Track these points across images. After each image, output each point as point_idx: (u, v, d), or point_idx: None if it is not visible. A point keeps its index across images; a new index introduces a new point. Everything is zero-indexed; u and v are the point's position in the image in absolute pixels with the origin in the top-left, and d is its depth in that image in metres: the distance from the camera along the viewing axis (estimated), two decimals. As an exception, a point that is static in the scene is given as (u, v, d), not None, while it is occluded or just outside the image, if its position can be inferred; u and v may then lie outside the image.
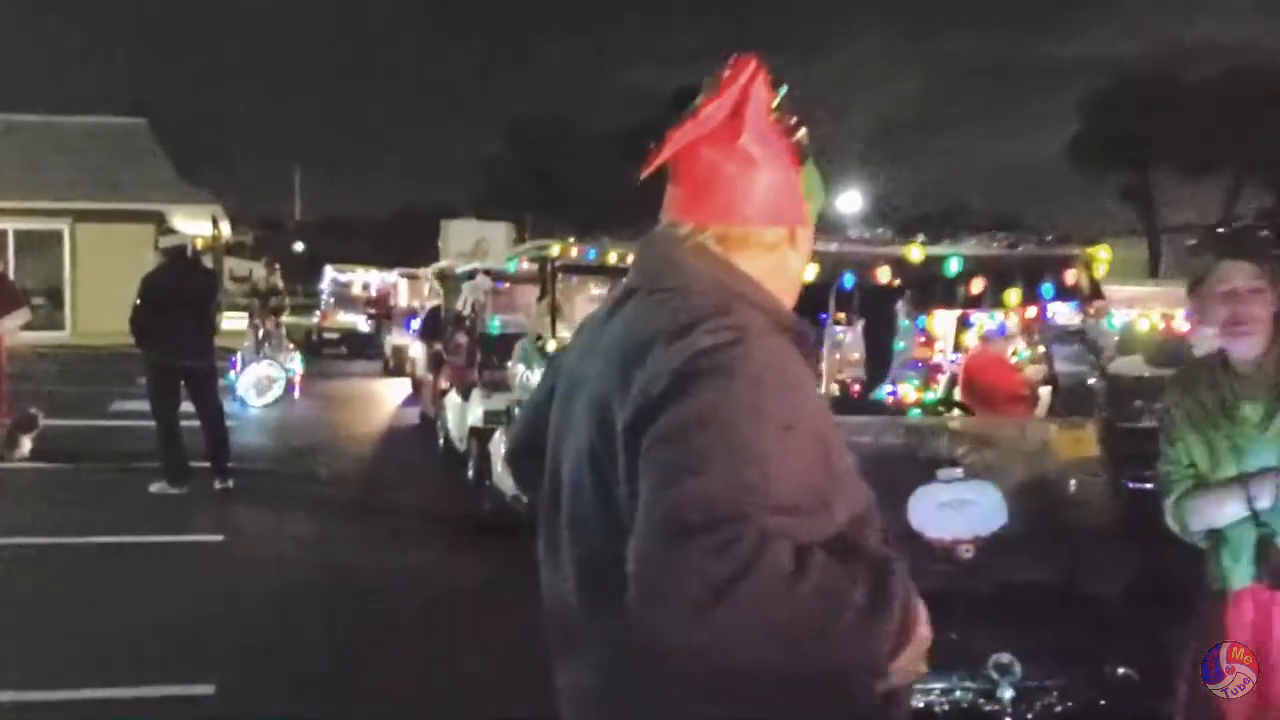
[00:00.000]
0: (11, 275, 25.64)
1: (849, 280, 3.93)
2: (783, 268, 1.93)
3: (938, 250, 4.03)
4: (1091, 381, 4.91)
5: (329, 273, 28.48)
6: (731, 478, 1.58)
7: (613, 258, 7.90)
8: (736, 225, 1.90)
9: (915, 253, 3.95)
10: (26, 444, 11.23)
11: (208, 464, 10.25)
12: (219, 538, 8.61)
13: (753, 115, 1.91)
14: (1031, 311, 4.81)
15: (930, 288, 4.09)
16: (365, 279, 27.90)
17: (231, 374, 15.93)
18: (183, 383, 10.18)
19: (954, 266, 4.05)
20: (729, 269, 1.87)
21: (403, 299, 23.22)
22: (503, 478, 8.76)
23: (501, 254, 20.48)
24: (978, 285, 4.03)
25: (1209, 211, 40.04)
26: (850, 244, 4.09)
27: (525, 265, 9.55)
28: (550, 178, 51.64)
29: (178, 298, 9.99)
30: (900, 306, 5.44)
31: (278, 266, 19.36)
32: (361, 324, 27.01)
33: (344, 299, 27.48)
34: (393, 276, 26.09)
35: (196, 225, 30.10)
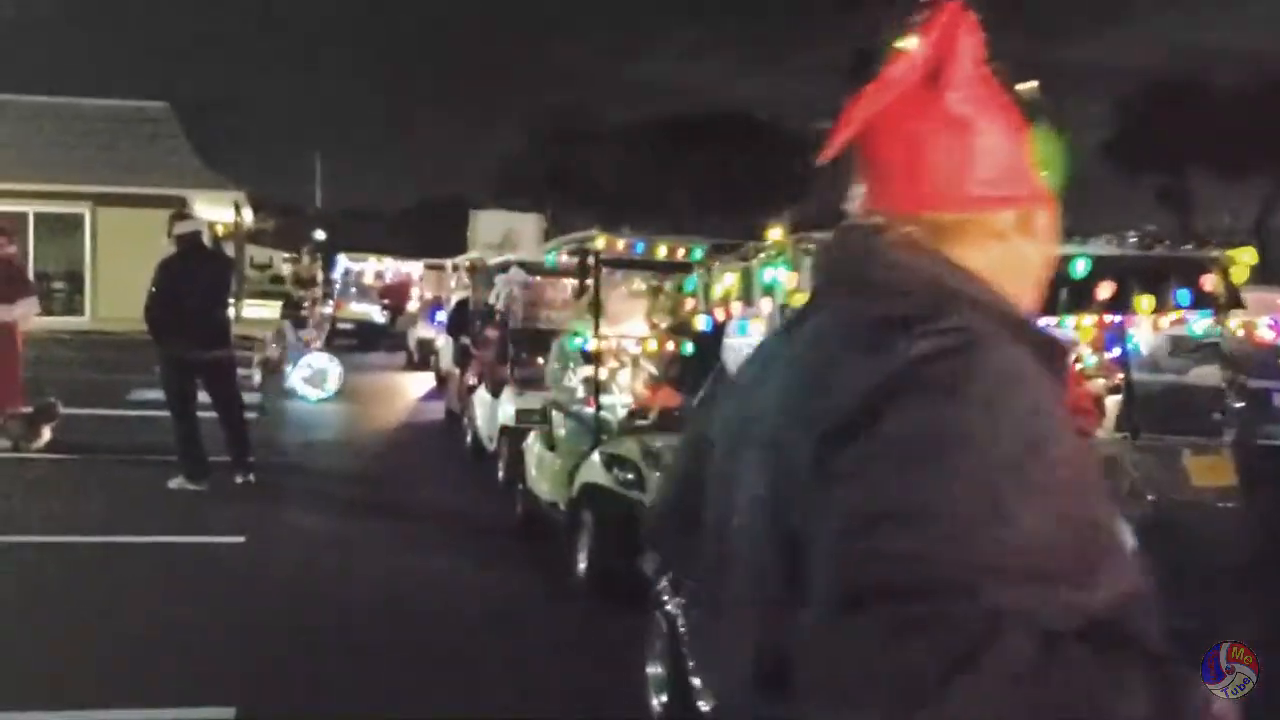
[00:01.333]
0: (31, 259, 25.54)
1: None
2: (1016, 261, 1.46)
3: (1063, 249, 3.55)
4: (1232, 400, 4.41)
5: (342, 261, 27.95)
6: (950, 530, 1.15)
7: (661, 251, 7.46)
8: (951, 211, 1.43)
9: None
10: (46, 433, 10.88)
11: (228, 459, 9.83)
12: (240, 539, 8.18)
13: (961, 68, 1.44)
14: (1166, 319, 4.30)
15: (1054, 291, 3.60)
16: (380, 268, 27.39)
17: (253, 365, 15.56)
18: (199, 374, 9.78)
19: (1081, 268, 3.60)
20: (948, 265, 1.40)
21: (427, 290, 22.82)
22: (537, 481, 8.31)
23: (531, 246, 20.14)
24: (1106, 289, 3.56)
25: (1245, 215, 39.41)
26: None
27: (564, 259, 9.12)
28: (569, 170, 51.14)
29: (192, 286, 9.59)
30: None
31: (318, 255, 18.98)
32: (376, 314, 26.55)
33: (358, 289, 26.99)
34: (408, 266, 25.63)
35: (218, 211, 29.77)
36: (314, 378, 15.94)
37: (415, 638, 6.37)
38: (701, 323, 4.87)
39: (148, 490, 9.51)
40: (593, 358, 7.92)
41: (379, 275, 27.33)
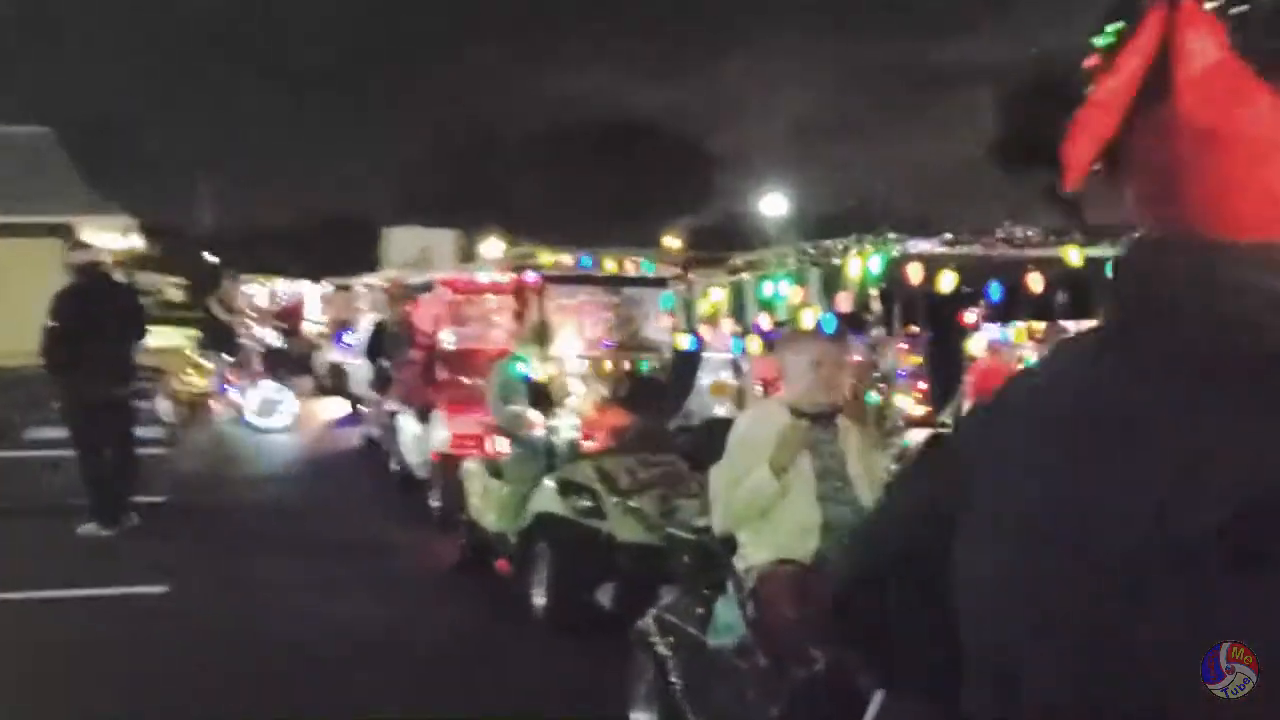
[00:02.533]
0: (-91, 295, 24.17)
1: (996, 290, 3.18)
2: None
3: (1099, 252, 3.32)
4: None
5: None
6: None
7: (609, 266, 7.15)
8: None
9: (1074, 255, 3.24)
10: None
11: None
12: (162, 589, 7.62)
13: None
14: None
15: (1089, 296, 3.36)
16: (272, 290, 26.23)
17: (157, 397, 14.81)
18: (102, 411, 9.17)
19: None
20: None
21: (329, 312, 22.06)
22: (482, 510, 7.91)
23: (448, 263, 19.66)
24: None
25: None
26: (994, 245, 3.33)
27: (496, 276, 8.74)
28: (480, 184, 50.49)
29: (95, 320, 8.98)
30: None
31: (236, 277, 18.23)
32: (271, 338, 25.41)
33: (259, 313, 25.81)
34: (302, 287, 24.74)
35: (108, 238, 28.59)
36: (264, 408, 15.39)
37: (368, 687, 5.93)
38: (684, 341, 4.54)
39: (56, 537, 8.88)
40: (538, 381, 7.56)
41: (272, 298, 26.17)
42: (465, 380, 10.08)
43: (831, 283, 3.40)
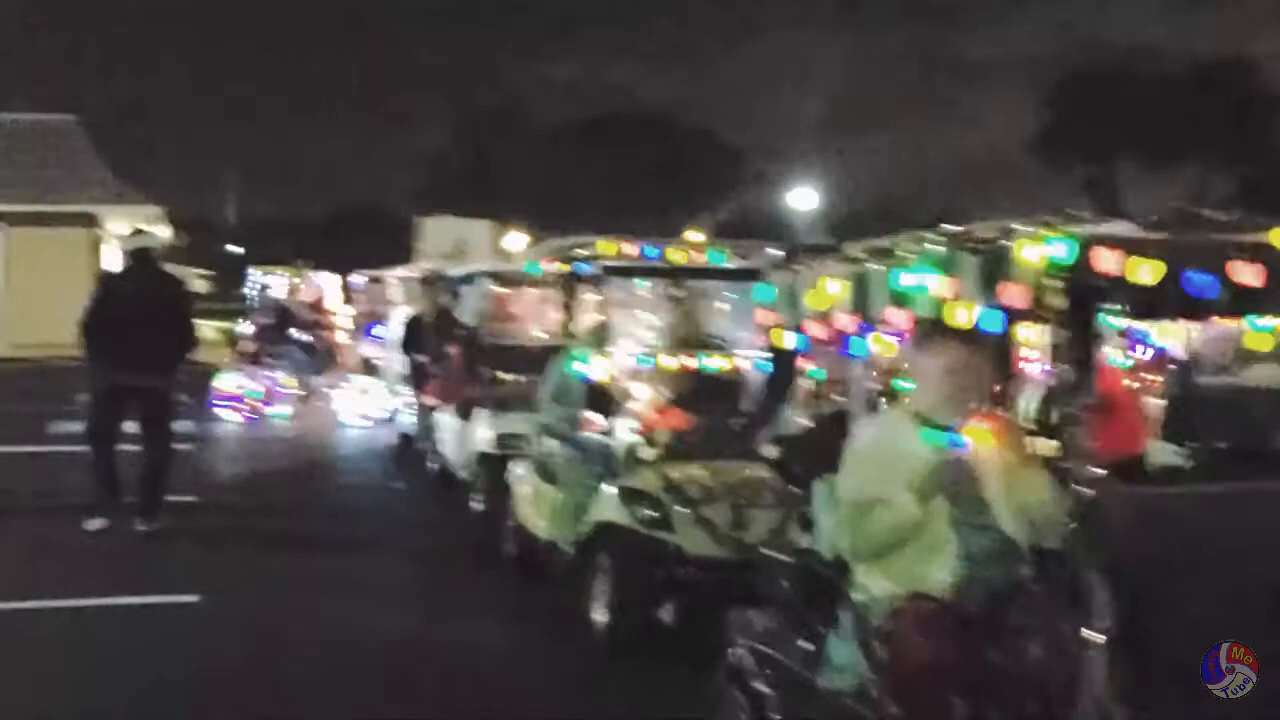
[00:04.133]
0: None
1: (1200, 280, 2.65)
2: None
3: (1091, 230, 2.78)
4: None
5: (253, 276, 26.21)
6: None
7: (676, 257, 6.63)
8: None
9: (1289, 239, 2.70)
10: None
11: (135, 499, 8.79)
12: (194, 598, 7.15)
13: None
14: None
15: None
16: (295, 282, 25.50)
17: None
18: (134, 404, 8.74)
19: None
20: None
21: (361, 304, 21.51)
22: (532, 517, 7.40)
23: (482, 254, 19.19)
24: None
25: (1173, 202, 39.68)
26: (1194, 229, 2.79)
27: (546, 267, 8.22)
28: (499, 173, 50.00)
29: (139, 307, 8.60)
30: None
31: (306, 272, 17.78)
32: (296, 331, 24.65)
33: (278, 305, 25.08)
34: (322, 279, 24.19)
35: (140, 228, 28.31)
36: (358, 402, 15.23)
37: (411, 709, 5.46)
38: (788, 339, 4.00)
39: (78, 540, 8.44)
40: (596, 382, 7.05)
41: (294, 290, 25.42)
42: (511, 377, 9.59)
43: (995, 272, 2.86)
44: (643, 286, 7.64)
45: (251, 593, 7.35)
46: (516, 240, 21.79)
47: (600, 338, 6.83)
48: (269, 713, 5.38)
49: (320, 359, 16.44)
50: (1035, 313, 2.83)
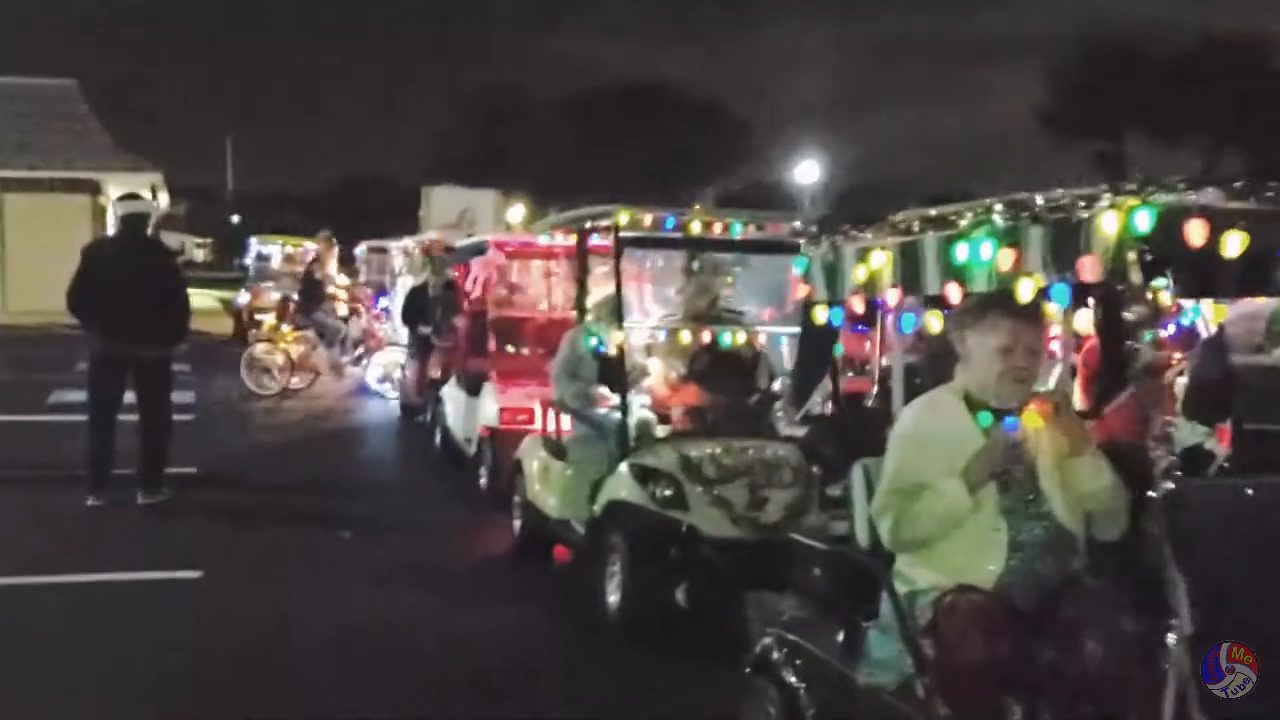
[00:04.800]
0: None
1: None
2: None
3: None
4: None
5: (254, 246, 25.81)
6: None
7: (696, 227, 6.40)
8: None
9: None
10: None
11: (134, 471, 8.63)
12: (196, 574, 6.96)
13: None
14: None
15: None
16: (292, 252, 25.09)
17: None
18: (130, 375, 8.53)
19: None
20: None
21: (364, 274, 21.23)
22: (542, 495, 7.20)
23: (489, 224, 18.89)
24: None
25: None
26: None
27: (559, 238, 8.00)
28: (503, 147, 49.64)
29: (132, 274, 8.39)
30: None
31: (329, 236, 17.37)
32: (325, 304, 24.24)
33: (276, 274, 24.71)
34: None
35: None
36: (388, 371, 14.93)
37: (418, 691, 5.28)
38: (822, 314, 3.78)
39: (80, 514, 8.25)
40: (609, 355, 6.84)
41: (292, 259, 24.99)
42: (520, 350, 9.40)
43: (1066, 244, 2.65)
44: (659, 258, 7.41)
45: (254, 569, 7.17)
46: (516, 212, 21.46)
47: (614, 310, 6.61)
48: (273, 693, 5.20)
49: (347, 333, 16.07)
50: (1107, 287, 2.61)
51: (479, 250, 10.04)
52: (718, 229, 6.35)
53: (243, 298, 24.06)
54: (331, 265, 17.01)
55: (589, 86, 56.18)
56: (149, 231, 8.91)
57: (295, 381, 15.08)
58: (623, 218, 6.27)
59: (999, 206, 2.91)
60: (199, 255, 72.41)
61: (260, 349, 15.33)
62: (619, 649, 5.96)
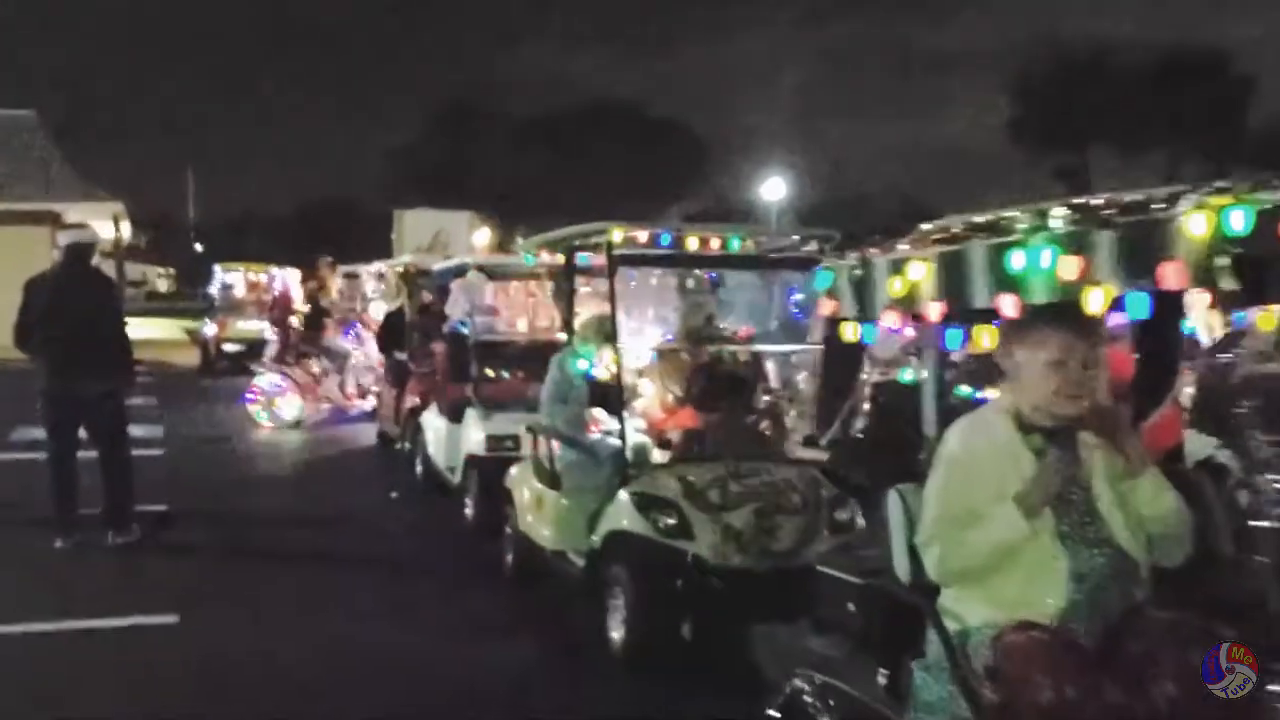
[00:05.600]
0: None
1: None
2: None
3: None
4: None
5: (218, 274, 24.97)
6: None
7: (692, 244, 6.16)
8: None
9: None
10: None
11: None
12: (172, 619, 6.62)
13: None
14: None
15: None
16: (265, 279, 24.44)
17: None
18: (82, 410, 8.21)
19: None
20: None
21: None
22: (535, 525, 6.91)
23: (462, 246, 18.59)
24: None
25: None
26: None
27: (544, 258, 7.73)
28: (467, 165, 49.26)
29: (73, 307, 8.06)
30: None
31: (332, 262, 16.86)
32: (268, 332, 23.53)
33: (242, 303, 24.09)
34: (286, 274, 23.44)
35: (98, 227, 27.55)
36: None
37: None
38: (851, 332, 3.53)
39: (48, 559, 7.89)
40: (601, 379, 6.59)
41: (257, 286, 24.33)
42: (504, 375, 9.11)
43: (1141, 249, 2.41)
44: (651, 277, 7.17)
45: (232, 612, 6.84)
46: (482, 235, 21.18)
47: (605, 331, 6.36)
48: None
49: (349, 363, 15.57)
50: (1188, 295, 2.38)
51: (459, 272, 9.76)
52: (715, 245, 6.10)
53: (209, 328, 23.53)
54: (335, 290, 16.52)
55: (552, 105, 56.11)
56: (92, 262, 8.52)
57: (307, 412, 14.64)
58: (616, 235, 6.02)
59: (1060, 210, 2.67)
60: (162, 285, 71.63)
61: (268, 380, 14.88)
62: (624, 686, 5.68)
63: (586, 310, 7.02)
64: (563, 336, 7.33)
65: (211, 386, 20.33)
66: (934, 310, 3.12)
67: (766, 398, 6.80)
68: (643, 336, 6.89)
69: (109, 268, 25.91)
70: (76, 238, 8.51)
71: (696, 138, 53.94)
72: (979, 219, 2.97)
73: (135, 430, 11.81)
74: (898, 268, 3.25)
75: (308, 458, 12.98)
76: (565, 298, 7.19)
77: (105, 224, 27.99)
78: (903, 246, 3.24)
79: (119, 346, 8.39)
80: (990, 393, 4.89)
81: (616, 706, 5.45)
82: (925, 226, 3.18)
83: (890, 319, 3.32)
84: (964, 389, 8.02)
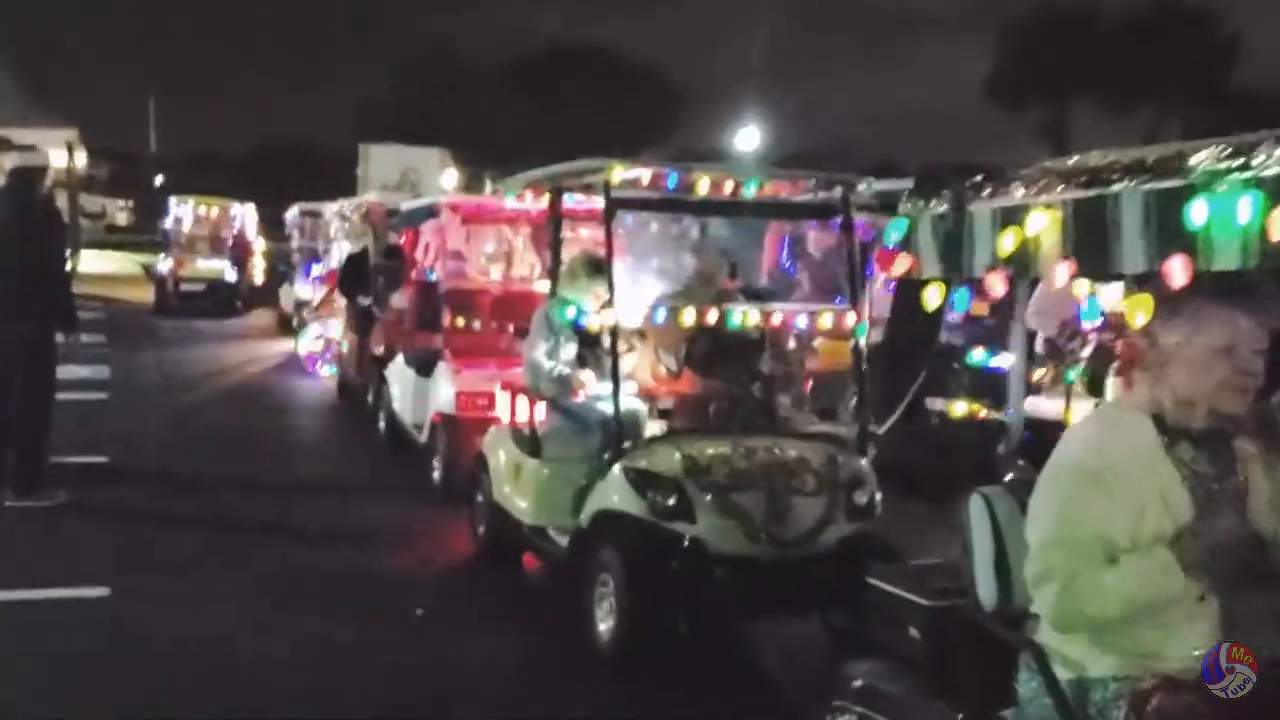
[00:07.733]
0: None
1: None
2: None
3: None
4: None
5: (173, 207, 23.43)
6: None
7: (704, 187, 5.44)
8: None
9: None
10: None
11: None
12: (103, 591, 5.88)
13: None
14: None
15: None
16: (227, 214, 23.20)
17: None
18: (16, 355, 7.40)
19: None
20: None
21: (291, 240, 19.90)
22: (512, 497, 6.21)
23: (433, 184, 17.73)
24: None
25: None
26: None
27: (530, 198, 6.98)
28: (438, 112, 48.27)
29: (14, 238, 7.30)
30: None
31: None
32: (229, 272, 22.35)
33: (200, 240, 22.82)
34: (244, 210, 22.39)
35: (51, 155, 26.40)
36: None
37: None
38: (934, 296, 2.82)
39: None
40: (591, 331, 5.89)
41: (210, 221, 23.11)
42: (478, 326, 8.36)
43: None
44: (652, 224, 6.43)
45: (170, 585, 6.09)
46: (450, 177, 20.30)
47: (592, 272, 5.67)
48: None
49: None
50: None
51: (430, 213, 8.97)
52: (728, 189, 5.37)
53: (164, 264, 22.42)
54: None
55: (524, 51, 54.99)
56: (43, 190, 7.68)
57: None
58: (616, 174, 5.28)
59: (1269, 149, 1.97)
60: (121, 219, 70.00)
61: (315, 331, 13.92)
62: (611, 685, 5.03)
63: (584, 257, 6.29)
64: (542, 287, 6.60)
65: (165, 326, 19.43)
66: (1061, 272, 2.41)
67: (774, 364, 6.11)
68: (643, 291, 6.13)
69: (62, 200, 24.87)
70: (24, 160, 7.68)
71: (671, 86, 53.15)
72: (1131, 156, 2.26)
73: (79, 370, 11.10)
74: (1010, 217, 2.53)
75: (265, 407, 12.15)
76: (552, 246, 6.40)
77: (59, 152, 26.84)
78: (1018, 191, 2.52)
79: (57, 286, 7.60)
80: (1005, 358, 4.20)
81: (599, 710, 4.80)
82: (1048, 164, 2.47)
83: (995, 282, 2.61)
84: (976, 355, 7.41)
